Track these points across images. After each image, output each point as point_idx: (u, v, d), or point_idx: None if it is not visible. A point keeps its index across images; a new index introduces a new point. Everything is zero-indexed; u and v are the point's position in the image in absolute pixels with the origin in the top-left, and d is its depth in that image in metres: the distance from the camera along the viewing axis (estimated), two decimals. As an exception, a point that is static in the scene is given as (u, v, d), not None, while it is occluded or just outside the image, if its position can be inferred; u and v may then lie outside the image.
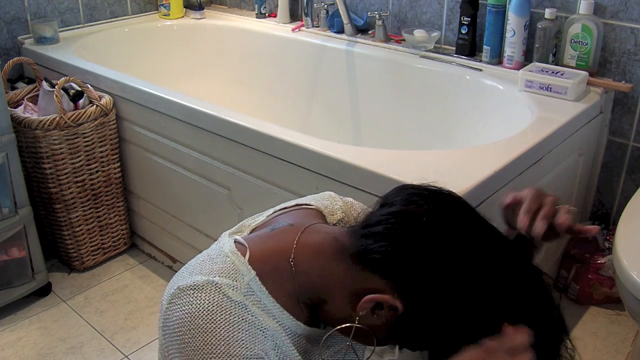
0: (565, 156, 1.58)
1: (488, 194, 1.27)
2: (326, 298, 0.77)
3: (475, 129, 1.79)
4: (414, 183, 0.80)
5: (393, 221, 0.74)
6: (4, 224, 1.75)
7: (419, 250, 0.71)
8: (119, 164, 1.98)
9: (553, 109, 1.55)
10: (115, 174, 1.98)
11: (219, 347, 0.70)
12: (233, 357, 0.70)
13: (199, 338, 0.71)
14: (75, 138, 1.83)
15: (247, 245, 0.79)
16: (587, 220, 1.86)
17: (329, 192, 0.96)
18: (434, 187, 0.79)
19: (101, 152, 1.91)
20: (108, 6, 2.39)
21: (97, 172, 1.92)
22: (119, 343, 1.73)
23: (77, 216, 1.92)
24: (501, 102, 1.72)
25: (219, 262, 0.77)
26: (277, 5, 2.36)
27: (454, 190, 0.80)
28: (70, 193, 1.88)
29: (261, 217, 0.89)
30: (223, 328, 0.71)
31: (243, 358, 0.70)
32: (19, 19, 2.15)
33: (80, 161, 1.87)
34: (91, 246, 2.00)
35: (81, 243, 1.97)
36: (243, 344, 0.71)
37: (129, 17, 2.46)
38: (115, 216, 2.03)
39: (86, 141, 1.86)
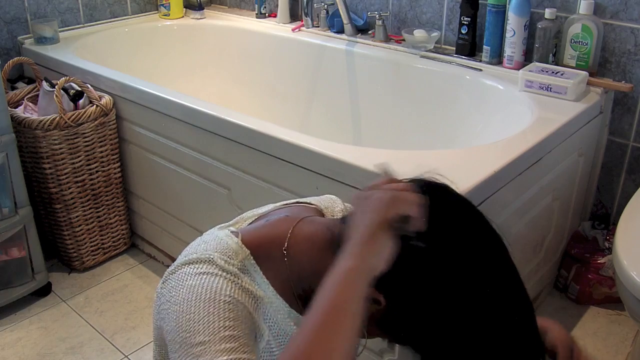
0: (565, 156, 1.58)
1: (488, 194, 1.27)
2: (316, 288, 0.77)
3: (475, 129, 1.79)
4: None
5: None
6: (4, 224, 1.75)
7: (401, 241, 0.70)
8: (119, 164, 1.98)
9: (553, 109, 1.55)
10: (115, 174, 1.98)
11: (207, 317, 0.69)
12: (218, 329, 0.69)
13: (194, 309, 0.70)
14: (75, 138, 1.83)
15: (239, 232, 0.79)
16: (587, 220, 1.86)
17: (331, 195, 0.96)
18: (427, 178, 0.77)
19: (101, 152, 1.91)
20: (108, 6, 2.39)
21: (97, 172, 1.92)
22: (119, 343, 1.73)
23: (77, 216, 1.92)
24: (501, 102, 1.72)
25: (212, 244, 0.77)
26: (277, 5, 2.36)
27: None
28: (70, 193, 1.88)
29: (260, 211, 0.89)
30: (215, 299, 0.70)
31: (223, 326, 0.69)
32: (19, 19, 2.15)
33: (80, 161, 1.87)
34: (91, 246, 2.00)
35: (81, 243, 1.97)
36: (228, 314, 0.70)
37: (129, 17, 2.46)
38: (115, 216, 2.03)
39: (86, 141, 1.86)
